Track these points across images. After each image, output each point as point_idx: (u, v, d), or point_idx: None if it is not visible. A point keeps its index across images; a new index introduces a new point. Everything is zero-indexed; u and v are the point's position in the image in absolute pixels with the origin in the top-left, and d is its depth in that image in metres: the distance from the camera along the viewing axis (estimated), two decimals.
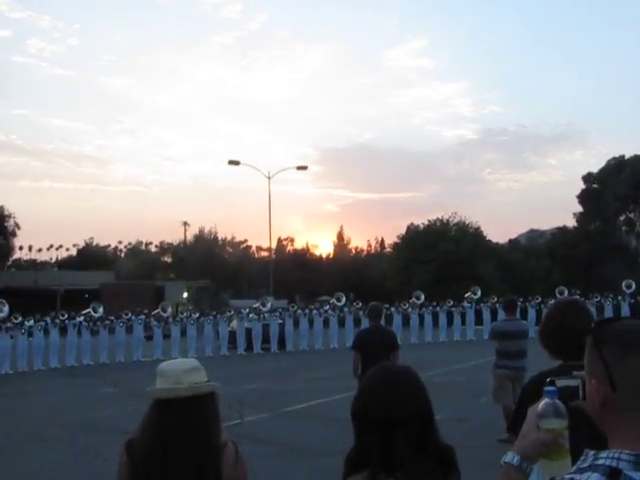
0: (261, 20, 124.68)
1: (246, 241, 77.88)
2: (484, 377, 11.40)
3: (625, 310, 28.69)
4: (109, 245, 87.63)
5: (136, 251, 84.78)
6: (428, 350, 23.91)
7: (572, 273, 43.31)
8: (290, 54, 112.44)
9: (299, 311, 29.23)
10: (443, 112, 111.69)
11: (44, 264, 79.70)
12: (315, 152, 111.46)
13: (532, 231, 69.41)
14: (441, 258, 45.77)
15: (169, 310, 27.79)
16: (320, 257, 71.79)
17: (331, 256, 71.81)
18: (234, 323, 27.84)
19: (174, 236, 79.92)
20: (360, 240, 79.39)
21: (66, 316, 25.53)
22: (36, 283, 54.68)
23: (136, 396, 12.99)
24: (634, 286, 30.03)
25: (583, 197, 54.34)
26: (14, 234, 60.56)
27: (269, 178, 39.92)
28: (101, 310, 25.71)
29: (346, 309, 29.32)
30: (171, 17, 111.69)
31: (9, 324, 22.70)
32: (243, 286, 64.23)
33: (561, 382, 1.62)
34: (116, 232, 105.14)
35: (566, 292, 27.11)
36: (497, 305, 27.27)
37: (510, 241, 62.36)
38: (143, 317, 26.98)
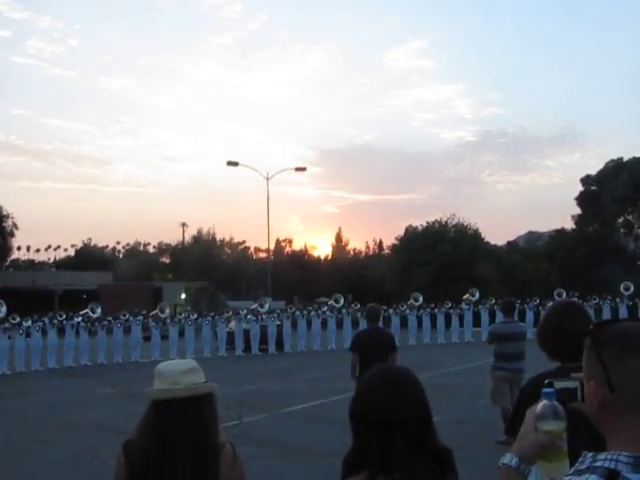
0: (261, 21, 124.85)
1: (244, 242, 77.94)
2: (482, 379, 11.41)
3: (623, 312, 28.70)
4: (107, 246, 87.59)
5: (134, 252, 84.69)
6: (426, 352, 23.90)
7: (570, 275, 43.32)
8: (290, 55, 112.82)
9: (297, 312, 29.22)
10: (442, 114, 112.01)
11: (42, 264, 79.60)
12: (314, 153, 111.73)
13: (530, 233, 69.53)
14: (439, 260, 45.77)
15: (167, 311, 27.76)
16: (318, 258, 71.80)
17: (329, 257, 71.83)
18: (232, 324, 27.84)
19: (172, 237, 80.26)
20: (358, 241, 79.82)
21: (64, 316, 25.50)
22: (34, 283, 54.57)
23: (134, 397, 12.99)
24: (632, 288, 30.06)
25: (581, 199, 54.37)
26: (12, 234, 60.47)
27: (268, 179, 39.91)
28: (99, 311, 25.69)
29: (344, 310, 29.32)
30: (171, 18, 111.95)
31: (7, 324, 22.69)
32: (241, 287, 64.23)
33: (559, 384, 1.62)
34: (114, 233, 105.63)
35: (564, 294, 27.10)
36: (495, 307, 27.30)
37: (508, 243, 62.42)
38: (141, 318, 26.95)
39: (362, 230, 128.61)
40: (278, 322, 27.90)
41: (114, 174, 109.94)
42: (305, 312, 29.14)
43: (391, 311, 29.09)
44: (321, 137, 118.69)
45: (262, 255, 70.44)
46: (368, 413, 1.97)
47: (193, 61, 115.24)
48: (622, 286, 30.10)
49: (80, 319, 25.32)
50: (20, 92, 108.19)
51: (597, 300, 30.61)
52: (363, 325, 21.08)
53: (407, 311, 29.73)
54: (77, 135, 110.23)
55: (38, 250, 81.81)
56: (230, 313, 29.27)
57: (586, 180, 55.12)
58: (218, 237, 71.20)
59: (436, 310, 30.10)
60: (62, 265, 75.50)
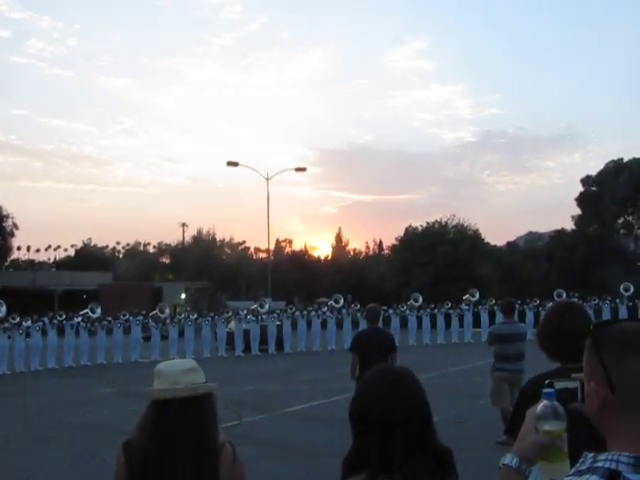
0: (261, 21, 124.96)
1: (244, 242, 77.98)
2: (482, 379, 11.42)
3: (623, 313, 28.71)
4: (107, 246, 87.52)
5: (134, 252, 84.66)
6: (426, 352, 23.90)
7: (570, 276, 43.34)
8: (290, 55, 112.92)
9: (297, 313, 29.22)
10: (442, 114, 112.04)
11: (42, 264, 79.53)
12: (314, 153, 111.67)
13: (530, 233, 69.54)
14: (439, 260, 45.78)
15: (167, 311, 27.76)
16: (318, 259, 71.83)
17: (329, 258, 71.86)
18: (232, 324, 27.84)
19: (172, 237, 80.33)
20: (358, 242, 79.75)
21: (64, 317, 25.51)
22: (34, 283, 54.57)
23: (134, 397, 13.00)
24: (632, 289, 30.07)
25: (581, 200, 54.37)
26: (12, 234, 60.53)
27: (268, 179, 39.91)
28: (99, 311, 25.68)
29: (344, 311, 29.32)
30: (171, 18, 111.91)
31: (7, 324, 22.68)
32: (241, 287, 64.25)
33: (560, 384, 1.62)
34: (114, 233, 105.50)
35: (564, 295, 27.11)
36: (495, 307, 27.31)
37: (508, 243, 62.42)
38: (141, 318, 26.95)
39: (362, 230, 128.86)
40: (278, 322, 27.90)
41: (114, 174, 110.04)
42: (305, 312, 29.14)
43: (391, 311, 29.09)
44: (321, 137, 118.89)
45: (262, 255, 70.50)
46: (368, 413, 1.97)
47: (193, 61, 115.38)
48: (622, 287, 30.11)
49: (80, 319, 25.32)
50: (20, 92, 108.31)
51: (597, 301, 30.62)
52: (363, 325, 21.08)
53: (407, 311, 29.73)
54: (77, 135, 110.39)
55: (38, 250, 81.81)
56: (230, 313, 29.27)
57: (586, 181, 55.13)
58: (218, 237, 71.32)
59: (436, 310, 30.11)
60: (62, 265, 75.49)
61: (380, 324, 9.30)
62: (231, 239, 73.88)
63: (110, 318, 26.56)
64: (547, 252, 51.22)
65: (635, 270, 44.57)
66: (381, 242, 73.30)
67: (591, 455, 1.37)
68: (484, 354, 12.36)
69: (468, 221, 52.31)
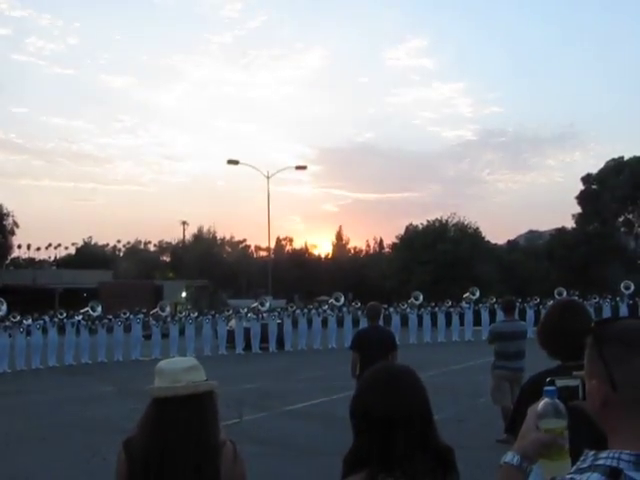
0: (261, 19, 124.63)
1: (245, 241, 78.02)
2: (482, 378, 11.42)
3: (623, 311, 28.68)
4: (108, 244, 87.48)
5: (135, 250, 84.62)
6: (426, 350, 23.90)
7: (571, 274, 43.33)
8: (290, 53, 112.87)
9: (298, 311, 29.22)
10: (443, 112, 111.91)
11: (43, 263, 79.53)
12: (314, 152, 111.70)
13: (531, 232, 69.51)
14: (440, 259, 45.79)
15: (167, 309, 27.79)
16: (319, 257, 71.90)
17: (330, 256, 71.90)
18: (232, 322, 27.84)
19: (173, 235, 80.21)
20: (359, 240, 79.73)
21: (64, 315, 25.53)
22: (34, 282, 54.58)
23: (134, 395, 13.00)
24: (633, 287, 30.07)
25: (582, 198, 54.36)
26: (13, 232, 60.57)
27: (268, 177, 39.93)
28: (99, 309, 25.71)
29: (345, 309, 29.34)
30: (171, 16, 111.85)
31: (7, 323, 22.69)
32: (242, 286, 64.25)
33: (561, 382, 1.61)
34: (115, 231, 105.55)
35: (565, 293, 27.09)
36: (496, 306, 27.29)
37: (509, 242, 62.43)
38: (141, 316, 26.97)
39: (362, 229, 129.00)
40: (279, 321, 27.92)
41: (114, 172, 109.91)
42: (306, 311, 29.15)
43: (392, 310, 29.09)
44: (321, 135, 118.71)
45: (263, 253, 70.57)
46: (369, 411, 1.97)
47: (193, 59, 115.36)
48: (622, 285, 30.12)
49: (80, 317, 25.34)
50: (20, 90, 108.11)
51: (597, 299, 30.63)
52: (364, 324, 21.06)
53: (408, 310, 29.74)
54: (77, 133, 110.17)
55: (39, 248, 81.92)
56: (231, 312, 29.29)
57: (587, 179, 55.12)
58: (218, 235, 71.42)
59: (436, 309, 30.13)
60: (62, 263, 75.47)
61: (381, 322, 9.29)
62: (232, 237, 74.08)
63: (111, 316, 26.56)
64: (547, 250, 51.23)
65: (636, 268, 44.56)
66: (382, 240, 73.37)
67: (592, 453, 1.36)
68: (484, 352, 12.36)
69: (469, 219, 52.42)
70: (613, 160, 54.35)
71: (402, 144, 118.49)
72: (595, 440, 1.44)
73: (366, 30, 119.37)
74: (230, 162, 39.52)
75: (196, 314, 28.85)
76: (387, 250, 65.34)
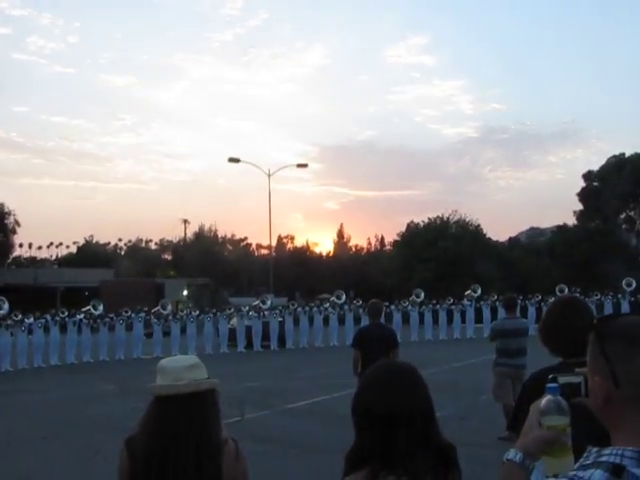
0: (262, 17, 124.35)
1: (246, 239, 77.92)
2: (484, 375, 11.41)
3: (625, 308, 28.70)
4: (109, 243, 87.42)
5: (136, 249, 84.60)
6: (428, 348, 23.91)
7: (572, 271, 43.31)
8: (291, 51, 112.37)
9: (299, 309, 29.22)
10: (444, 110, 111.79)
11: (44, 261, 79.55)
12: (315, 149, 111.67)
13: (532, 229, 69.42)
14: (441, 256, 45.80)
15: (169, 308, 27.81)
16: (320, 255, 71.86)
17: (331, 254, 71.88)
18: (234, 321, 27.86)
19: (174, 234, 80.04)
20: (360, 238, 79.64)
21: (66, 313, 25.55)
22: (36, 281, 54.64)
23: (136, 393, 13.01)
24: (634, 284, 30.05)
25: (583, 195, 54.34)
26: (14, 231, 60.62)
27: (269, 175, 39.93)
28: (101, 308, 25.73)
29: (346, 307, 29.35)
30: (171, 14, 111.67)
31: (9, 321, 22.70)
32: (243, 284, 64.23)
33: (563, 379, 1.61)
34: (116, 230, 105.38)
35: (566, 290, 27.12)
36: (497, 303, 27.26)
37: (510, 239, 62.34)
38: (143, 315, 26.98)
39: (364, 226, 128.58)
40: (280, 318, 27.92)
41: (115, 171, 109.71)
42: (307, 308, 29.15)
43: (393, 307, 29.10)
44: (322, 133, 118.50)
45: (264, 252, 70.50)
46: (371, 409, 1.97)
47: (194, 58, 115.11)
48: (624, 282, 30.11)
49: (82, 316, 25.36)
50: (20, 89, 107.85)
51: (599, 296, 30.60)
52: (365, 321, 21.08)
53: (409, 307, 29.74)
54: (78, 132, 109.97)
55: (40, 247, 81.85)
56: (232, 310, 29.30)
57: (588, 176, 55.09)
58: (220, 234, 71.34)
59: (438, 306, 30.14)
60: (64, 262, 75.50)
61: (382, 320, 9.28)
62: (233, 235, 74.00)
63: (112, 315, 26.55)
64: (549, 247, 51.18)
65: (637, 265, 44.52)
66: (383, 238, 73.31)
67: (595, 450, 1.36)
68: (486, 350, 12.36)
69: (470, 217, 52.44)
70: (614, 157, 54.31)
71: (403, 141, 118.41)
72: (598, 437, 1.44)
73: (366, 28, 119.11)
74: (231, 160, 39.53)
75: (197, 312, 28.87)
76: (388, 248, 65.36)
